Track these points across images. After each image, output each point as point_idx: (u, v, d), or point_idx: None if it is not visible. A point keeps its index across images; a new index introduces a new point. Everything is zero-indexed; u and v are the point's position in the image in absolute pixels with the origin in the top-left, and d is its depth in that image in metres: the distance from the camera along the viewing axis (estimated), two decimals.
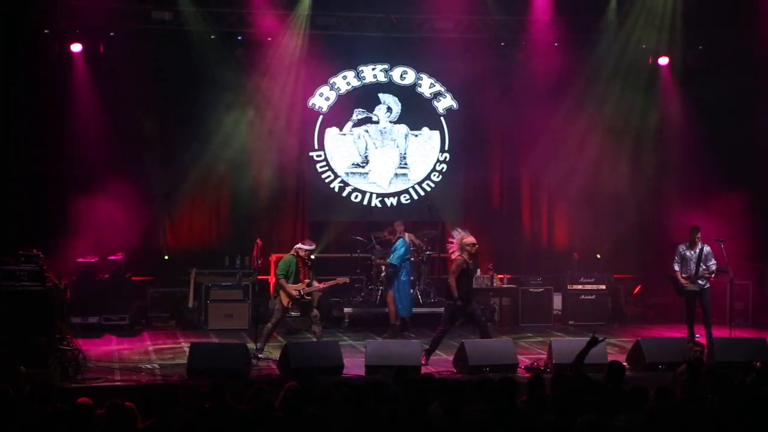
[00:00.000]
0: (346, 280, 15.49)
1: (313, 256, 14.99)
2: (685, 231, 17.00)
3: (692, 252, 15.70)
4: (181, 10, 18.49)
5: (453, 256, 14.45)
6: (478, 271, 17.18)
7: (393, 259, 16.77)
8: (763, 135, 18.59)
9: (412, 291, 17.46)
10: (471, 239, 14.30)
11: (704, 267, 15.58)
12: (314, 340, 14.80)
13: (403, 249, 16.83)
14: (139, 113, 18.59)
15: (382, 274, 17.35)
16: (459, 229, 14.64)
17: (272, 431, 7.88)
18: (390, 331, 16.64)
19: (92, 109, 18.42)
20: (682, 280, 15.66)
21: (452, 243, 14.54)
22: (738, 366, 10.88)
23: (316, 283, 14.68)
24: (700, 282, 15.59)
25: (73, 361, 12.96)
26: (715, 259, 15.64)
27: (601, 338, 9.90)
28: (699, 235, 15.73)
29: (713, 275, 15.65)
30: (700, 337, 15.08)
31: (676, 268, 15.76)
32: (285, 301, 14.39)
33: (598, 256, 20.12)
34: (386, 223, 19.05)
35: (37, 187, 18.05)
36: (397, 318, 16.83)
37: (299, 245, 14.78)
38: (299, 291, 14.35)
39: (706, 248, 15.69)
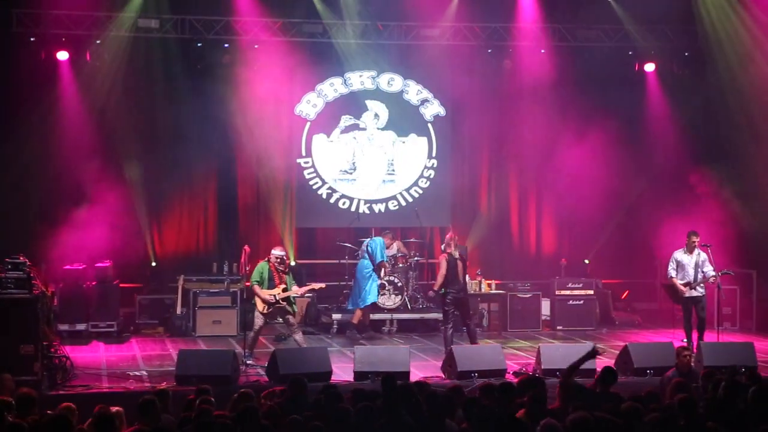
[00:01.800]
0: (323, 285, 15.50)
1: (292, 263, 15.05)
2: (672, 236, 17.09)
3: (690, 257, 15.49)
4: (168, 18, 18.50)
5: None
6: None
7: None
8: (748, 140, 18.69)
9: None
10: (450, 234, 15.31)
11: (702, 273, 15.39)
12: (302, 346, 14.76)
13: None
14: (125, 121, 18.55)
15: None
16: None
17: None
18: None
19: (79, 116, 18.40)
20: (681, 287, 15.43)
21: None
22: (724, 370, 10.88)
23: (295, 288, 14.67)
24: (699, 288, 15.40)
25: (60, 368, 12.94)
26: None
27: (601, 351, 9.90)
28: (696, 240, 15.48)
29: (715, 279, 15.39)
30: (686, 342, 15.05)
31: (673, 274, 15.49)
32: (260, 306, 14.43)
33: (586, 261, 20.17)
34: (374, 230, 19.16)
35: (24, 195, 18.03)
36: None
37: (272, 251, 14.85)
38: (274, 296, 14.37)
39: (703, 254, 15.46)
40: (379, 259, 17.24)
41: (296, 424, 8.09)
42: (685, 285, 15.41)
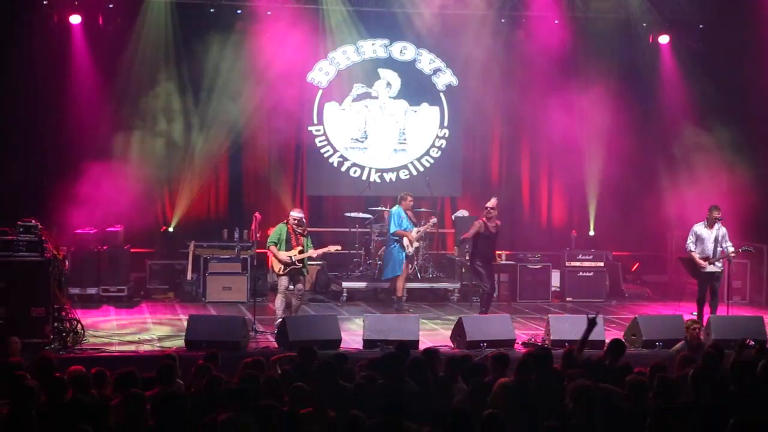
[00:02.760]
0: (339, 247, 15.46)
1: (305, 225, 14.86)
2: (683, 210, 17.07)
3: (710, 231, 15.24)
4: None
5: (496, 222, 15.50)
6: None
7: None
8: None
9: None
10: (491, 202, 15.44)
11: (722, 248, 15.19)
12: (312, 313, 14.83)
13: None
14: (137, 85, 18.53)
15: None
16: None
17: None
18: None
19: (91, 80, 18.41)
20: (700, 261, 15.18)
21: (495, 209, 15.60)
22: (734, 344, 10.89)
23: (310, 251, 14.67)
24: (718, 264, 15.21)
25: (71, 331, 12.99)
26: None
27: (592, 315, 9.91)
28: (718, 214, 15.21)
29: (735, 255, 15.33)
30: (696, 316, 15.02)
31: (692, 248, 15.22)
32: (277, 267, 14.44)
33: (592, 233, 20.16)
34: (385, 198, 19.15)
35: (37, 159, 18.08)
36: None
37: (290, 212, 14.85)
38: (290, 257, 14.38)
39: (723, 229, 15.25)
40: (391, 229, 17.02)
41: (300, 391, 8.10)
42: (704, 259, 15.18)
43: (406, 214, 16.93)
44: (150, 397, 7.85)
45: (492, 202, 15.53)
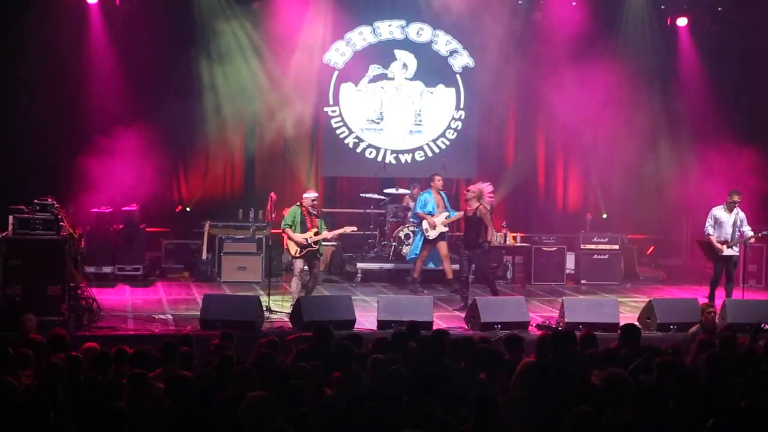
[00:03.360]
0: (354, 228, 15.47)
1: (319, 206, 14.87)
2: (700, 193, 16.99)
3: (729, 215, 15.17)
4: None
5: (474, 205, 15.19)
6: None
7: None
8: None
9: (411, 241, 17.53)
10: (490, 187, 15.51)
11: (740, 232, 15.15)
12: (327, 294, 14.84)
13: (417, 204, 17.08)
14: (153, 65, 18.54)
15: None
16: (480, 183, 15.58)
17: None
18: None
19: (108, 61, 18.47)
20: (717, 245, 15.13)
21: (469, 192, 15.38)
22: (748, 328, 10.86)
23: (325, 233, 14.68)
24: (735, 248, 15.20)
25: (87, 310, 13.05)
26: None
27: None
28: (738, 198, 15.15)
29: (752, 241, 15.33)
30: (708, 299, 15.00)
31: (710, 231, 15.17)
32: (293, 250, 14.44)
33: (605, 216, 20.12)
34: (400, 180, 19.13)
35: (53, 138, 18.12)
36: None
37: (304, 194, 14.85)
38: (306, 239, 14.38)
39: (741, 213, 15.22)
40: (415, 210, 17.16)
41: (318, 369, 8.16)
42: (722, 243, 15.14)
43: (435, 196, 16.89)
44: (156, 377, 7.92)
45: (491, 186, 15.73)
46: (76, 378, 8.03)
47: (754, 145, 18.65)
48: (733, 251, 15.23)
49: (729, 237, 15.15)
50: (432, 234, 16.67)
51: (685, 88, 20.04)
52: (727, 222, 15.16)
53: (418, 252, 16.90)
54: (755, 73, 18.92)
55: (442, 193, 17.05)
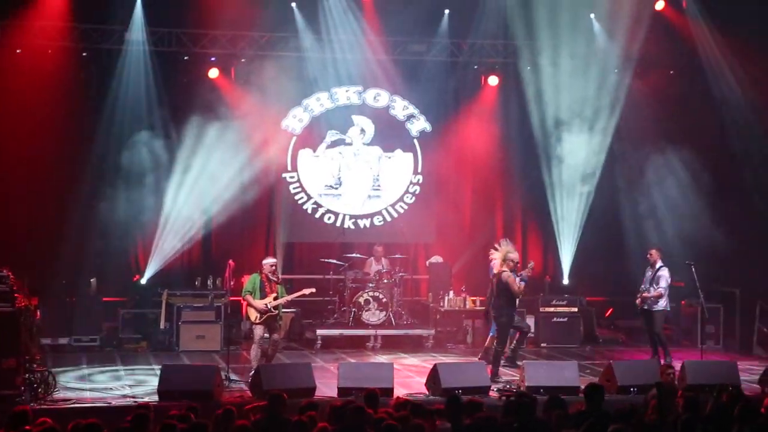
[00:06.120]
0: (313, 290, 15.40)
1: (275, 271, 14.77)
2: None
3: (649, 272, 15.85)
4: (154, 31, 18.52)
5: (497, 269, 15.01)
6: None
7: None
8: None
9: None
10: (516, 254, 15.25)
11: (651, 289, 15.70)
12: (286, 362, 14.71)
13: None
14: (114, 136, 18.51)
15: None
16: (507, 240, 15.52)
17: None
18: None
19: (69, 128, 18.36)
20: (637, 299, 15.89)
21: (495, 253, 15.31)
22: (708, 389, 10.88)
23: (285, 297, 14.62)
24: (639, 302, 15.83)
25: (42, 382, 12.83)
26: (682, 282, 15.69)
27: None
28: (649, 254, 15.93)
29: (646, 295, 15.71)
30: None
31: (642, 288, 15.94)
32: (253, 316, 14.36)
33: (566, 281, 20.09)
34: (359, 245, 19.12)
35: (10, 207, 17.96)
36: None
37: (263, 261, 14.80)
38: (266, 304, 14.32)
39: (662, 271, 15.69)
40: None
41: None
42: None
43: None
44: None
45: (517, 253, 15.50)
46: None
47: (709, 204, 18.85)
48: (646, 306, 15.73)
49: (642, 292, 15.84)
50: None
51: (633, 139, 20.15)
52: (646, 278, 15.84)
53: None
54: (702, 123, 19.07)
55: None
